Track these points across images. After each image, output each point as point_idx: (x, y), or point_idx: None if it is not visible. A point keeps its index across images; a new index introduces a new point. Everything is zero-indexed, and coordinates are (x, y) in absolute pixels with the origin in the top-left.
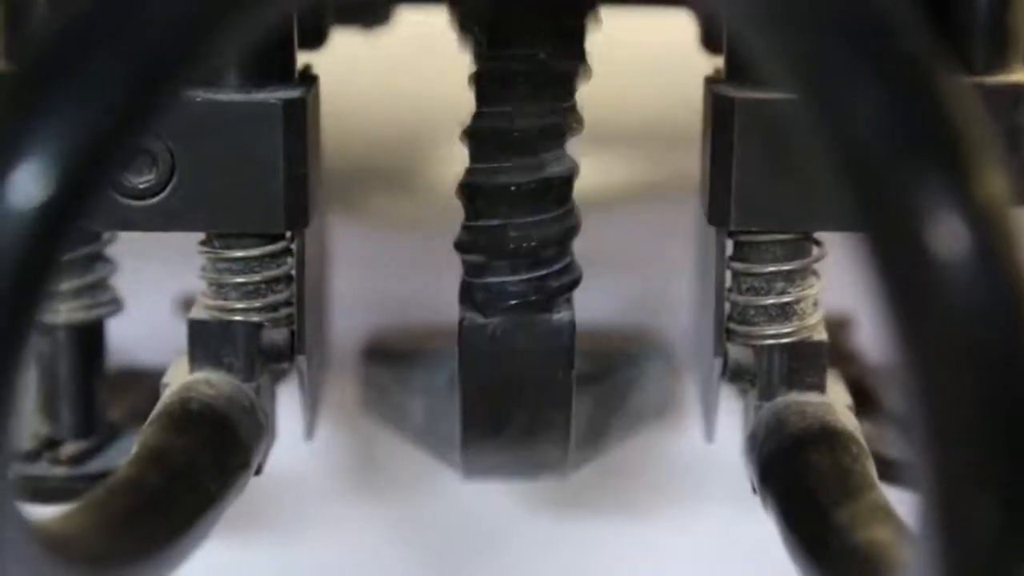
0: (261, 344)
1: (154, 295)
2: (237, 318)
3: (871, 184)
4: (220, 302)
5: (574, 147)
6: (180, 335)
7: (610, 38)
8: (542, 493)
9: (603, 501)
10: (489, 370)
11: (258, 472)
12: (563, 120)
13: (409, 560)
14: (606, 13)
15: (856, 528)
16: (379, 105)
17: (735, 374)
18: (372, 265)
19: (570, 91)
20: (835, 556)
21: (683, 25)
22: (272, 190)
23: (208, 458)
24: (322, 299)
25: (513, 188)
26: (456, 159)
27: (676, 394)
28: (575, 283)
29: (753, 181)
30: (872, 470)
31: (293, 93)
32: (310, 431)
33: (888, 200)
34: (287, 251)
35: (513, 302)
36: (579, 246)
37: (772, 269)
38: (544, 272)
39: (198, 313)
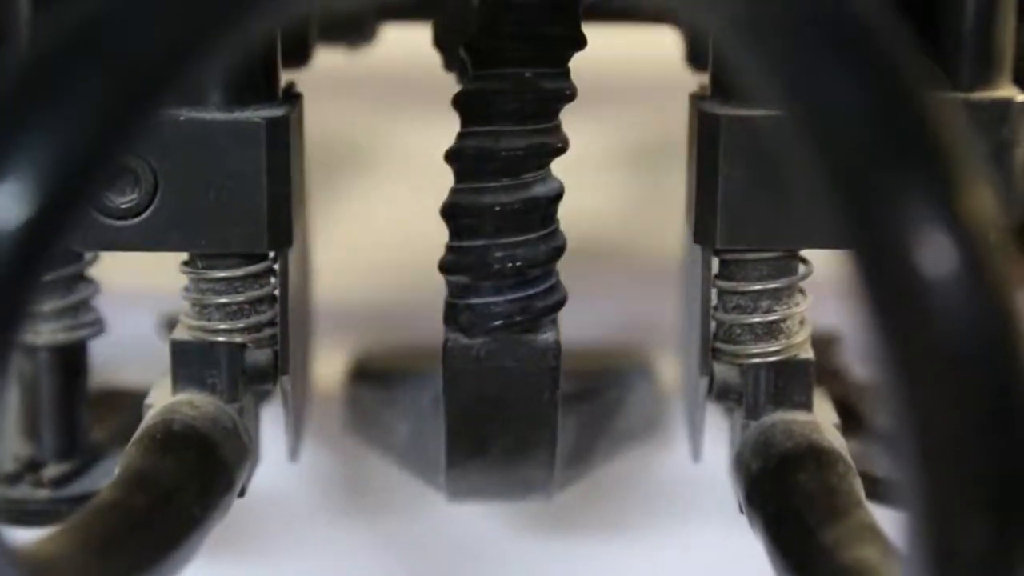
0: (244, 365)
1: (136, 316)
2: (220, 339)
3: (857, 201)
4: (203, 323)
5: (558, 165)
6: (163, 356)
7: (594, 55)
8: (529, 513)
9: (590, 521)
10: (474, 391)
11: (242, 494)
12: (548, 140)
13: None
14: (591, 31)
15: (843, 547)
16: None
17: (721, 393)
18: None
19: (555, 111)
20: (822, 575)
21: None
22: (255, 210)
23: (192, 480)
24: (306, 319)
25: (498, 208)
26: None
27: (662, 414)
28: (560, 304)
29: (739, 199)
30: (859, 489)
31: (277, 112)
32: (294, 452)
33: (875, 218)
34: (270, 271)
35: (498, 323)
36: (564, 265)
37: (758, 287)
38: (529, 293)
39: (181, 334)
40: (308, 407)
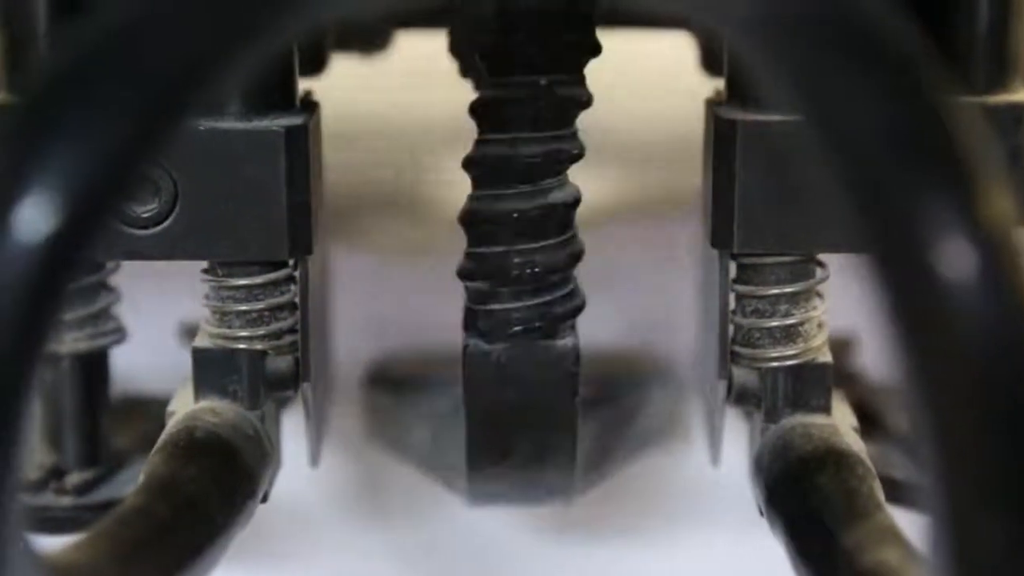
0: (265, 372)
1: (158, 323)
2: (241, 346)
3: (876, 205)
4: (224, 330)
5: (575, 172)
6: (184, 363)
7: (610, 61)
8: (547, 517)
9: (609, 525)
10: (494, 397)
11: (264, 500)
12: (565, 146)
13: None
14: (605, 36)
15: (864, 550)
16: (382, 130)
17: (740, 397)
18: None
19: (571, 117)
20: None
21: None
22: (275, 217)
23: (214, 487)
24: (325, 326)
25: (516, 215)
26: (459, 186)
27: (681, 417)
28: (579, 309)
29: (756, 203)
30: (879, 491)
31: (295, 120)
32: (315, 458)
33: (894, 221)
34: (290, 279)
35: (517, 329)
36: (582, 270)
37: (776, 291)
38: (548, 299)
39: (202, 341)
40: (328, 413)
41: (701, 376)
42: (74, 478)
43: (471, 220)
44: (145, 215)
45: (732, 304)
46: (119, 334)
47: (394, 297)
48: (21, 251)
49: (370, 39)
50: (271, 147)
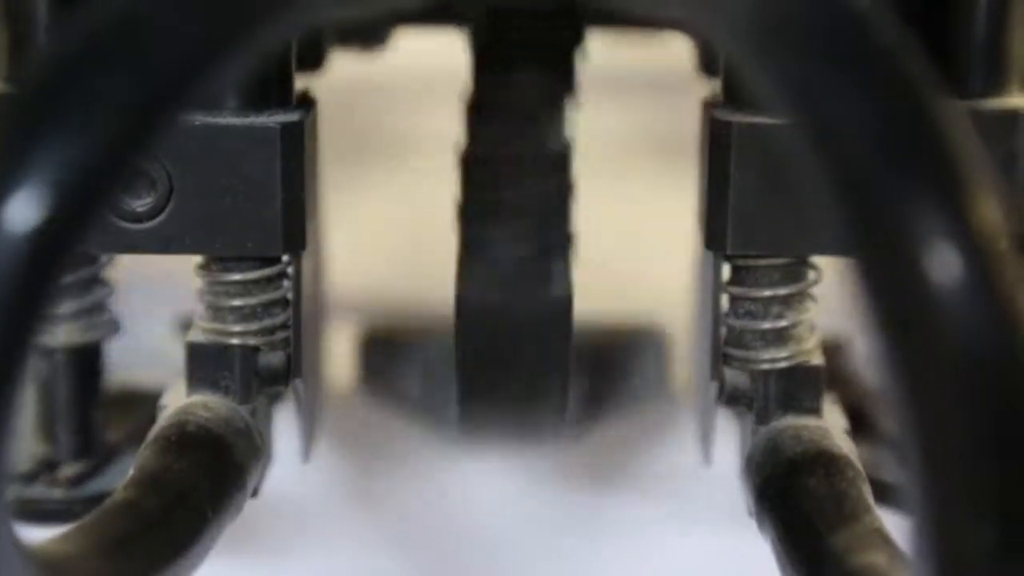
0: (258, 367)
1: (151, 317)
2: (234, 341)
3: (866, 210)
4: (217, 325)
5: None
6: (177, 357)
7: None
8: (542, 513)
9: (601, 520)
10: (486, 340)
11: (254, 494)
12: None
13: None
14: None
15: (852, 552)
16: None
17: (732, 398)
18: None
19: (568, 55)
20: None
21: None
22: (270, 213)
23: (205, 481)
24: (318, 322)
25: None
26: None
27: (670, 381)
28: (571, 241)
29: (750, 206)
30: (868, 494)
31: (291, 117)
32: (307, 453)
33: (884, 226)
34: (284, 274)
35: (510, 270)
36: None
37: (769, 293)
38: (542, 243)
39: (195, 336)
40: (321, 408)
41: (694, 376)
42: (66, 470)
43: (466, 162)
44: (139, 209)
45: (725, 306)
46: (112, 327)
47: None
48: (12, 242)
49: (369, 35)
50: (267, 143)
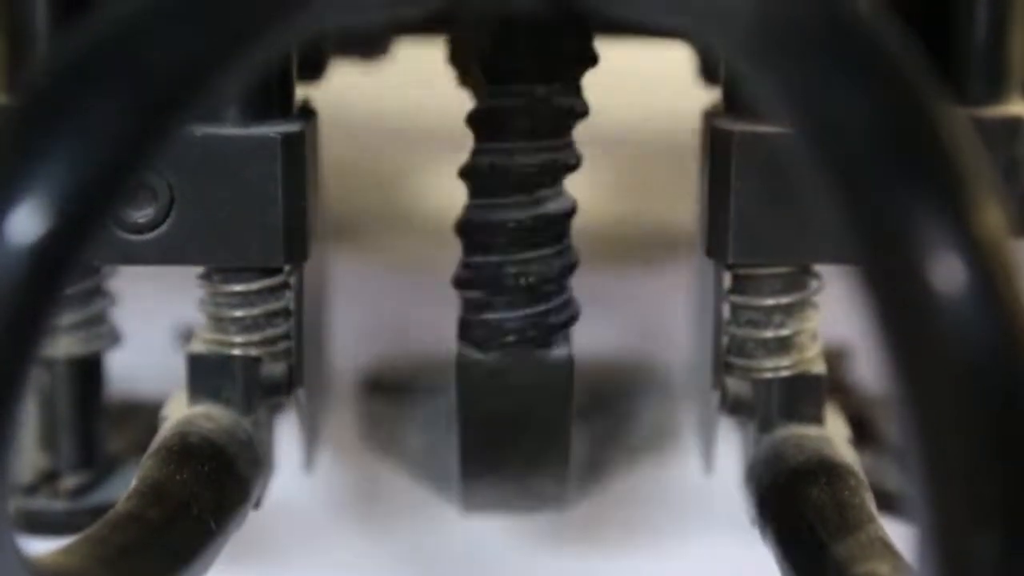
0: (259, 378)
1: (152, 328)
2: (236, 352)
3: (869, 217)
4: (219, 336)
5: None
6: (179, 368)
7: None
8: (542, 527)
9: (603, 535)
10: (487, 406)
11: (257, 505)
12: (561, 156)
13: None
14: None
15: (854, 562)
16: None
17: (733, 407)
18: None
19: (567, 128)
20: None
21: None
22: (271, 224)
23: (207, 492)
24: (321, 332)
25: (512, 225)
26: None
27: (674, 426)
28: (573, 319)
29: (752, 214)
30: (871, 503)
31: (292, 127)
32: (309, 464)
33: (887, 234)
34: (285, 285)
35: (511, 338)
36: (576, 280)
37: (771, 302)
38: (543, 308)
39: (197, 347)
40: (323, 419)
41: (695, 386)
42: (68, 481)
43: (466, 229)
44: (141, 220)
45: (727, 314)
46: (114, 338)
47: (390, 304)
48: (14, 254)
49: (369, 45)
50: (268, 154)
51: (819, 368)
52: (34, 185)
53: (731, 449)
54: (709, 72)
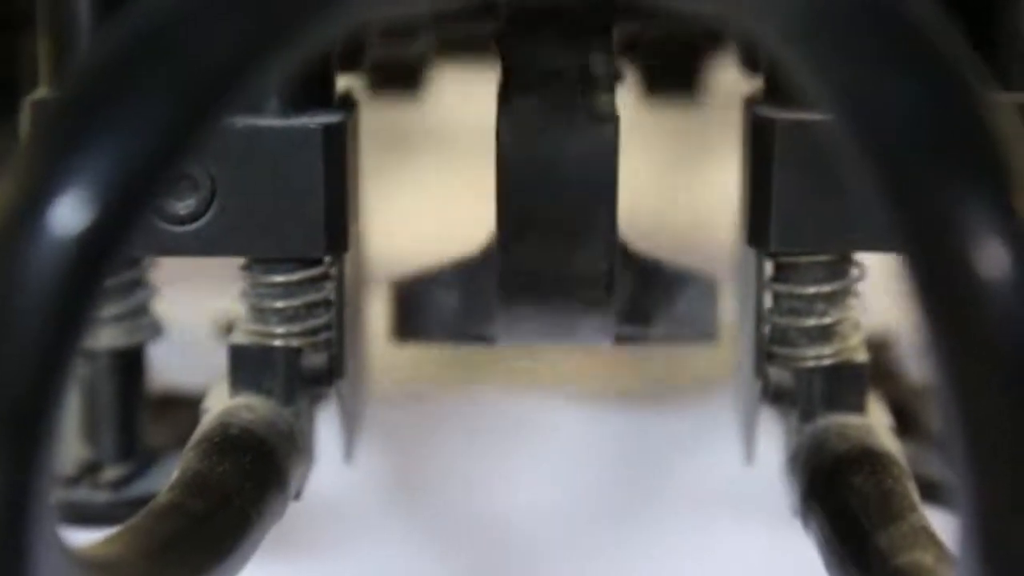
0: (300, 369)
1: (194, 319)
2: (277, 343)
3: (913, 205)
4: (260, 327)
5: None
6: (220, 359)
7: None
8: (583, 517)
9: (643, 522)
10: (528, 170)
11: (297, 496)
12: None
13: None
14: None
15: (898, 551)
16: None
17: (775, 396)
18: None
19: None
20: None
21: None
22: (312, 215)
23: (248, 483)
24: (360, 322)
25: None
26: None
27: (717, 327)
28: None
29: (793, 202)
30: (914, 492)
31: (333, 118)
32: (349, 454)
33: (931, 222)
34: (326, 275)
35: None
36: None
37: (813, 291)
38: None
39: (238, 338)
40: (363, 409)
41: (737, 374)
42: (110, 473)
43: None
44: (183, 211)
45: (768, 303)
46: (155, 329)
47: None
48: (58, 245)
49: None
50: (309, 145)
51: (862, 356)
52: (77, 177)
53: (771, 438)
54: (751, 61)
